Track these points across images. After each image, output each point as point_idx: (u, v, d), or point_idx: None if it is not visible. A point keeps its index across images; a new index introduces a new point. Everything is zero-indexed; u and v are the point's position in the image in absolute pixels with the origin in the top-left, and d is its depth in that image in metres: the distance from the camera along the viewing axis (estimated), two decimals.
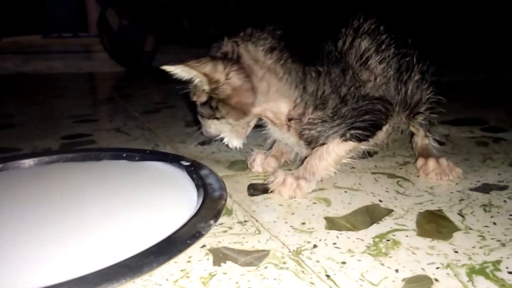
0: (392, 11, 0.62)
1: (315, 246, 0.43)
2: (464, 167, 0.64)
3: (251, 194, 0.57)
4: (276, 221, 0.49)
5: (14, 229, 0.45)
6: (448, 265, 0.39)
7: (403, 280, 0.37)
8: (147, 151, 0.70)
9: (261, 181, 0.61)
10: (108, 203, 0.51)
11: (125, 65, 1.95)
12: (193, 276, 0.38)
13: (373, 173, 0.63)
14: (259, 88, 0.54)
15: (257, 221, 0.49)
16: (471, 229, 0.46)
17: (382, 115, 0.55)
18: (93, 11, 2.22)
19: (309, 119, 0.56)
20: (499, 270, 0.39)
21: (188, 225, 0.44)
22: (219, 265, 0.40)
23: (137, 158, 0.65)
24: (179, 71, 0.52)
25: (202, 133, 0.61)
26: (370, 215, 0.50)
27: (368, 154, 0.67)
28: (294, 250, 0.42)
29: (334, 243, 0.44)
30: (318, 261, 0.40)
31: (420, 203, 0.53)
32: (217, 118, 0.57)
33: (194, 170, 0.59)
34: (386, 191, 0.57)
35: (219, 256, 0.41)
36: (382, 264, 0.40)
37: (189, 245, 0.41)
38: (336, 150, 0.56)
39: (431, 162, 0.62)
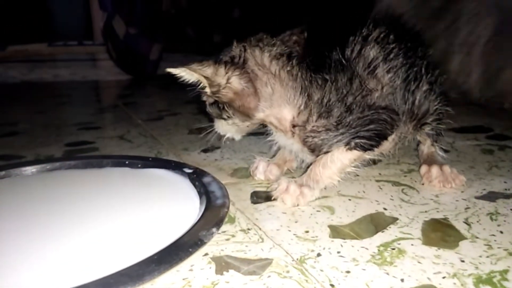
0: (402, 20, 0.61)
1: (319, 254, 0.43)
2: (470, 175, 0.63)
3: (254, 202, 0.56)
4: (279, 229, 0.48)
5: (15, 236, 0.44)
6: (454, 275, 0.39)
7: None
8: (150, 159, 0.70)
9: (264, 189, 0.60)
10: (110, 210, 0.50)
11: (130, 73, 1.96)
12: (195, 285, 0.38)
13: (377, 180, 0.63)
14: (262, 93, 0.54)
15: (260, 229, 0.48)
16: (477, 237, 0.45)
17: (388, 125, 0.55)
18: (99, 20, 2.23)
19: (313, 126, 0.55)
20: (506, 279, 0.38)
21: (190, 233, 0.43)
22: (222, 274, 0.39)
23: (139, 166, 0.65)
24: (182, 73, 0.54)
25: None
26: (375, 223, 0.50)
27: (373, 162, 0.67)
28: (297, 259, 0.42)
29: (338, 252, 0.43)
30: (322, 270, 0.40)
31: (425, 211, 0.52)
32: (225, 119, 0.57)
33: (197, 178, 0.59)
34: (391, 199, 0.56)
35: (222, 264, 0.41)
36: (387, 273, 0.39)
37: (191, 253, 0.40)
38: (341, 158, 0.55)
39: (434, 170, 0.61)
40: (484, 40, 1.19)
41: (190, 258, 0.40)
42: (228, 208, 0.50)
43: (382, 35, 0.56)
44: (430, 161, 0.64)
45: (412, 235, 0.46)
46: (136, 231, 0.46)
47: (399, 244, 0.45)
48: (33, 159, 0.76)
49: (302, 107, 0.55)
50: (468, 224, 0.48)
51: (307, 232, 0.48)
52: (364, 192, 0.59)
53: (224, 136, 0.61)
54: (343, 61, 0.55)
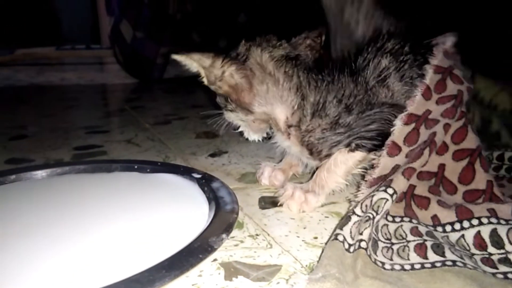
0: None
1: None
2: None
3: (262, 207, 0.56)
4: (288, 235, 0.48)
5: (26, 240, 0.45)
6: None
7: None
8: (159, 163, 0.70)
9: (272, 194, 0.60)
10: (119, 215, 0.51)
11: (137, 77, 1.97)
12: None
13: None
14: (258, 90, 0.57)
15: (268, 234, 0.49)
16: None
17: (391, 124, 0.55)
18: (106, 24, 2.25)
19: (307, 126, 0.55)
20: None
21: (200, 239, 0.43)
22: (231, 280, 0.39)
23: (148, 170, 0.66)
24: (184, 60, 0.58)
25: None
26: None
27: None
28: (306, 265, 0.42)
29: None
30: None
31: None
32: (230, 110, 0.60)
33: (206, 183, 0.59)
34: None
35: (231, 270, 0.41)
36: None
37: (201, 259, 0.40)
38: (344, 161, 0.55)
39: None
40: None
41: (200, 264, 0.40)
42: (237, 214, 0.50)
43: (396, 46, 0.56)
44: None
45: None
46: (146, 236, 0.46)
47: None
48: (42, 162, 0.76)
49: (295, 107, 0.56)
50: None
51: (315, 238, 0.48)
52: None
53: (225, 125, 0.63)
54: (353, 68, 0.55)
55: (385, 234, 0.45)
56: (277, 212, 0.55)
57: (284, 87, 0.56)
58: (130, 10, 1.83)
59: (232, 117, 0.61)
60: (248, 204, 0.57)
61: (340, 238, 0.41)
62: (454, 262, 0.40)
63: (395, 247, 0.43)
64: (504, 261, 0.40)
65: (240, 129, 0.63)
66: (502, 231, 0.41)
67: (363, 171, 0.57)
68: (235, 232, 0.49)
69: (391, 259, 0.41)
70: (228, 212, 0.50)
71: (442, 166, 0.50)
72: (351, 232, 0.41)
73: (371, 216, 0.42)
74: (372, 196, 0.44)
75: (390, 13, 0.64)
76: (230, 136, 0.88)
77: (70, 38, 3.45)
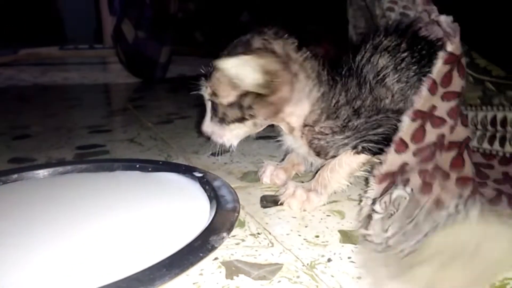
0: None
1: (329, 260, 0.42)
2: None
3: (263, 206, 0.56)
4: (289, 234, 0.48)
5: (27, 239, 0.45)
6: None
7: None
8: (160, 162, 0.71)
9: (273, 193, 0.60)
10: (120, 214, 0.51)
11: (140, 76, 1.98)
12: None
13: None
14: (296, 88, 0.54)
15: (270, 233, 0.48)
16: None
17: (397, 128, 0.55)
18: (108, 24, 2.25)
19: (321, 127, 0.55)
20: None
21: (201, 237, 0.43)
22: (232, 279, 0.39)
23: (150, 169, 0.66)
24: (239, 66, 0.52)
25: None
26: None
27: None
28: (308, 264, 0.42)
29: (349, 257, 0.43)
30: (332, 276, 0.40)
31: None
32: (242, 120, 0.55)
33: (207, 182, 0.59)
34: None
35: (232, 269, 0.41)
36: None
37: (201, 258, 0.40)
38: (349, 162, 0.55)
39: None
40: None
41: (201, 262, 0.40)
42: (238, 212, 0.50)
43: (393, 44, 0.56)
44: None
45: None
46: (147, 235, 0.46)
47: None
48: (44, 162, 0.77)
49: (315, 105, 0.55)
50: None
51: (317, 237, 0.47)
52: None
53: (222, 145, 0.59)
54: (353, 67, 0.55)
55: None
56: (279, 211, 0.54)
57: (309, 85, 0.55)
58: (132, 10, 1.83)
59: (233, 130, 0.57)
60: (250, 202, 0.57)
61: (369, 238, 0.40)
62: None
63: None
64: None
65: (229, 143, 0.59)
66: None
67: (365, 173, 0.57)
68: (236, 231, 0.48)
69: None
70: (229, 210, 0.50)
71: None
72: (376, 230, 0.41)
73: (392, 213, 0.42)
74: (391, 193, 0.44)
75: None
76: None
77: (73, 38, 3.46)
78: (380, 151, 0.55)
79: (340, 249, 0.45)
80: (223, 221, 0.47)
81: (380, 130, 0.53)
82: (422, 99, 0.49)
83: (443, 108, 0.49)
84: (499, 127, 0.64)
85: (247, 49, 0.53)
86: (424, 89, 0.49)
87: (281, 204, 0.56)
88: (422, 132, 0.48)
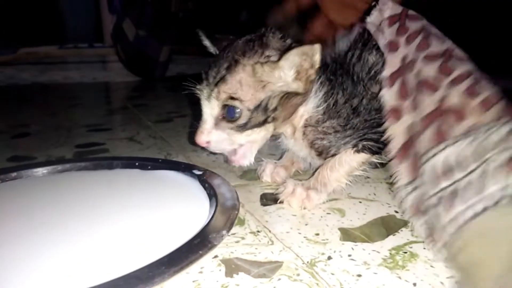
0: None
1: (329, 258, 0.42)
2: None
3: (263, 204, 0.56)
4: (289, 232, 0.48)
5: (26, 237, 0.45)
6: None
7: None
8: (160, 160, 0.70)
9: (273, 191, 0.60)
10: (120, 212, 0.50)
11: (140, 75, 1.97)
12: (205, 287, 0.38)
13: (388, 183, 0.62)
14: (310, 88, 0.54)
15: (270, 231, 0.48)
16: None
17: None
18: (108, 23, 2.25)
19: (323, 127, 0.55)
20: None
21: (200, 235, 0.43)
22: (232, 277, 0.39)
23: (149, 167, 0.65)
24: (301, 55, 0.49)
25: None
26: (386, 226, 0.49)
27: (382, 164, 0.66)
28: (308, 262, 0.41)
29: (349, 255, 0.43)
30: (333, 274, 0.39)
31: None
32: (264, 123, 0.52)
33: (207, 180, 0.59)
34: None
35: (232, 267, 0.41)
36: (399, 277, 0.39)
37: (201, 255, 0.40)
38: (348, 161, 0.55)
39: None
40: None
41: (200, 260, 0.40)
42: (238, 210, 0.50)
43: None
44: None
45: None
46: (146, 233, 0.46)
47: (411, 247, 0.44)
48: (44, 160, 0.76)
49: (319, 106, 0.55)
50: None
51: (317, 234, 0.47)
52: (375, 194, 0.59)
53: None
54: (345, 64, 0.55)
55: None
56: (279, 209, 0.54)
57: (315, 85, 0.54)
58: (133, 9, 1.83)
59: (250, 135, 0.53)
60: (250, 200, 0.57)
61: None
62: None
63: None
64: None
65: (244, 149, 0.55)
66: None
67: (364, 172, 0.57)
68: (236, 229, 0.48)
69: None
70: (229, 208, 0.50)
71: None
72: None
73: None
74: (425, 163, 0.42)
75: None
76: None
77: (73, 37, 3.45)
78: (379, 150, 0.55)
79: (340, 247, 0.44)
80: (222, 219, 0.47)
81: (380, 129, 0.53)
82: (388, 64, 0.50)
83: (411, 49, 0.49)
84: None
85: (283, 47, 0.52)
86: (386, 55, 0.49)
87: (281, 202, 0.55)
88: (404, 85, 0.48)
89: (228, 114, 0.51)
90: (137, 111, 1.25)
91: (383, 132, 0.52)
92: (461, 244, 0.36)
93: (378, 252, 0.43)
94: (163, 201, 0.53)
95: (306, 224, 0.50)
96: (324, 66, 0.55)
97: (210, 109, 0.53)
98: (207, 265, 0.41)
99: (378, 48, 0.55)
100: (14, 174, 0.63)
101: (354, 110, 0.54)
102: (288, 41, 0.54)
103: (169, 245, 0.41)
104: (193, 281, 0.38)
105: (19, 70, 2.41)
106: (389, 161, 0.50)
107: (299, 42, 0.54)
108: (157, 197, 0.55)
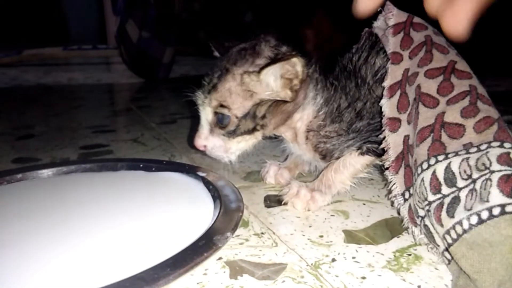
0: None
1: (333, 260, 0.42)
2: None
3: (267, 206, 0.56)
4: (293, 234, 0.48)
5: (31, 239, 0.45)
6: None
7: None
8: (164, 162, 0.70)
9: (277, 193, 0.60)
10: (124, 213, 0.51)
11: (143, 76, 1.98)
12: None
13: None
14: (305, 94, 0.55)
15: (274, 233, 0.48)
16: None
17: None
18: (112, 24, 2.26)
19: (326, 131, 0.55)
20: None
21: (205, 237, 0.43)
22: (236, 278, 0.39)
23: (153, 169, 0.66)
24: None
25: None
26: (390, 228, 0.49)
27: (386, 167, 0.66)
28: (312, 264, 0.42)
29: (353, 257, 0.43)
30: (337, 276, 0.39)
31: None
32: (253, 130, 0.54)
33: (211, 181, 0.59)
34: None
35: (236, 269, 0.41)
36: (404, 280, 0.39)
37: (205, 257, 0.40)
38: (353, 163, 0.55)
39: None
40: None
41: (205, 262, 0.40)
42: (242, 212, 0.50)
43: None
44: None
45: None
46: (151, 234, 0.46)
47: (415, 250, 0.44)
48: (49, 161, 0.77)
49: (320, 111, 0.55)
50: None
51: (321, 236, 0.47)
52: (379, 196, 0.58)
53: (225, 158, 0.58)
54: (350, 68, 0.56)
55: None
56: (283, 211, 0.54)
57: (313, 91, 0.55)
58: (136, 10, 1.83)
59: (240, 142, 0.56)
60: (254, 202, 0.57)
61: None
62: None
63: None
64: None
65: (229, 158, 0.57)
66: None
67: (368, 175, 0.57)
68: (240, 231, 0.48)
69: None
70: (233, 210, 0.50)
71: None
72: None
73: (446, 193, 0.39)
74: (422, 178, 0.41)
75: None
76: None
77: (77, 39, 3.47)
78: (383, 153, 0.55)
79: (345, 249, 0.44)
80: (227, 220, 0.47)
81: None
82: (390, 75, 0.49)
83: (413, 64, 0.48)
84: None
85: (275, 56, 0.52)
86: (389, 66, 0.49)
87: (285, 204, 0.56)
88: (405, 98, 0.48)
89: (219, 121, 0.54)
90: (141, 113, 1.25)
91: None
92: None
93: (382, 254, 0.43)
94: (167, 203, 0.54)
95: (310, 226, 0.50)
96: (327, 72, 0.55)
97: (205, 115, 0.55)
98: (211, 267, 0.41)
99: (385, 51, 0.55)
100: (19, 176, 0.64)
101: (357, 114, 0.55)
102: (284, 48, 0.54)
103: (174, 247, 0.41)
104: (198, 283, 0.38)
105: (23, 71, 2.42)
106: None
107: (296, 48, 0.55)
108: (162, 199, 0.55)
